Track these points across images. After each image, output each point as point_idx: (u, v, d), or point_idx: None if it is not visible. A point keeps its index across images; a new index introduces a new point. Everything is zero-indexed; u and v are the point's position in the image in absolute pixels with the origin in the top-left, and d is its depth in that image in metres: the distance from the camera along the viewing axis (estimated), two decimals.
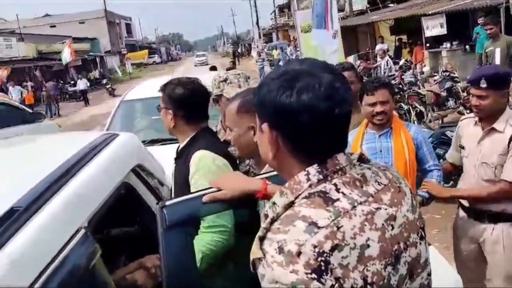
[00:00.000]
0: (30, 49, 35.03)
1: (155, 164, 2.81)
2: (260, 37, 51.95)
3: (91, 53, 46.22)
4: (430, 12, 14.85)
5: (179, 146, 2.44)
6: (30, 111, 10.98)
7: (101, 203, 1.74)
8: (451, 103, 9.49)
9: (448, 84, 9.59)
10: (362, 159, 1.14)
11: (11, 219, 1.29)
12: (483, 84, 2.67)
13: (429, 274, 1.14)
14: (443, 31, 14.02)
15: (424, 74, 13.75)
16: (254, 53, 38.64)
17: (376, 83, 2.98)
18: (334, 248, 0.92)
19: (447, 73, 10.20)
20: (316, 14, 7.86)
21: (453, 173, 3.90)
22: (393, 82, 10.33)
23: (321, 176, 1.03)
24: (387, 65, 13.35)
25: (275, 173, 1.44)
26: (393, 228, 1.03)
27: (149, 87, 6.05)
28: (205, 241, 1.92)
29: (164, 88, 2.42)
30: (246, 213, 1.84)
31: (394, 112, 3.15)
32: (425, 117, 9.29)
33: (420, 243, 1.11)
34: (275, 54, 30.83)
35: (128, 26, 75.55)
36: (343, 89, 1.04)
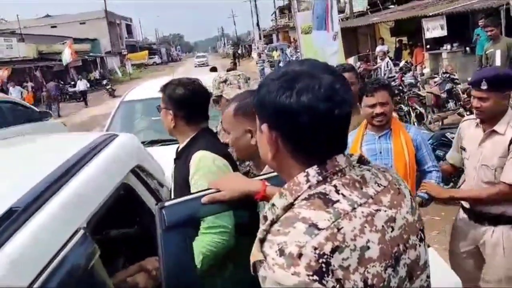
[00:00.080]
0: (30, 50, 35.03)
1: (154, 165, 2.81)
2: (260, 38, 51.91)
3: (91, 54, 46.21)
4: (430, 14, 14.86)
5: (178, 147, 2.44)
6: (37, 110, 11.11)
7: (100, 203, 1.74)
8: (451, 105, 9.50)
9: (448, 86, 9.59)
10: (361, 160, 1.13)
11: (10, 219, 1.29)
12: (484, 86, 2.66)
13: (428, 276, 1.14)
14: (444, 32, 14.02)
15: (424, 76, 13.79)
16: (254, 54, 38.69)
17: (375, 84, 2.98)
18: (334, 250, 0.92)
19: (447, 75, 10.20)
20: (316, 16, 7.87)
21: (453, 175, 3.90)
22: (393, 83, 10.36)
23: (320, 178, 1.03)
24: (387, 67, 13.39)
25: (274, 174, 1.44)
26: (393, 230, 1.03)
27: (149, 88, 6.05)
28: (205, 242, 1.92)
29: (164, 89, 2.42)
30: (246, 214, 1.84)
31: (394, 114, 3.16)
32: (425, 119, 9.29)
33: (420, 245, 1.10)
34: (275, 56, 30.87)
35: (129, 27, 75.59)
36: (343, 90, 1.03)
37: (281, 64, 21.53)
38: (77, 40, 42.69)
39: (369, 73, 15.39)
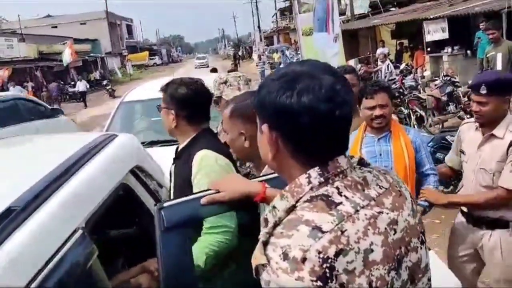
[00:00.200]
0: (31, 50, 35.08)
1: (154, 166, 2.80)
2: (261, 40, 52.01)
3: (92, 54, 46.26)
4: (431, 17, 14.89)
5: (178, 147, 2.43)
6: (49, 107, 11.97)
7: (99, 203, 1.73)
8: (451, 107, 9.50)
9: (449, 89, 9.60)
10: (361, 162, 1.13)
11: (8, 218, 1.29)
12: (483, 91, 2.66)
13: (429, 279, 1.13)
14: (445, 35, 14.05)
15: (425, 79, 13.81)
16: (255, 56, 38.71)
17: (375, 86, 2.99)
18: (338, 253, 0.91)
19: (448, 78, 10.21)
20: (317, 18, 7.86)
21: (453, 178, 3.90)
22: (393, 86, 10.36)
23: (322, 179, 1.02)
24: (388, 69, 13.40)
25: (274, 175, 1.44)
26: (395, 232, 1.02)
27: (149, 88, 6.05)
28: (208, 242, 1.91)
29: (166, 88, 2.40)
30: (247, 214, 1.83)
31: (394, 116, 3.16)
32: (426, 122, 9.29)
33: (421, 248, 1.10)
34: (276, 57, 30.86)
35: (129, 28, 75.63)
36: (344, 91, 1.03)
37: (281, 66, 21.52)
38: (77, 41, 42.66)
39: (370, 75, 15.40)
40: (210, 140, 2.32)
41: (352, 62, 16.86)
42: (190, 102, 2.33)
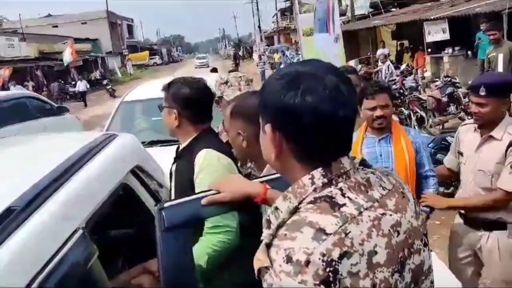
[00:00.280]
0: (32, 49, 35.06)
1: (154, 166, 2.80)
2: (261, 40, 52.03)
3: (92, 54, 46.25)
4: (432, 17, 14.88)
5: (178, 146, 2.43)
6: (56, 105, 12.36)
7: (99, 203, 1.73)
8: (452, 108, 9.50)
9: (449, 90, 9.59)
10: (364, 163, 1.12)
11: (9, 218, 1.28)
12: (482, 92, 2.66)
13: (432, 282, 1.12)
14: (446, 36, 14.04)
15: (425, 80, 13.80)
16: (255, 56, 38.71)
17: (375, 87, 2.98)
18: (343, 255, 0.90)
19: (449, 79, 10.21)
20: (318, 19, 7.86)
21: (453, 179, 3.89)
22: (394, 87, 10.35)
23: (325, 180, 1.01)
24: (388, 70, 13.38)
25: (274, 176, 1.43)
26: (398, 234, 1.02)
27: (149, 88, 6.04)
28: (210, 242, 1.91)
29: (168, 87, 2.39)
30: (248, 214, 1.83)
31: (395, 117, 3.15)
32: (426, 123, 9.28)
33: (424, 250, 1.09)
34: (276, 58, 30.85)
35: (130, 27, 75.65)
36: (347, 91, 1.02)
37: (282, 66, 21.49)
38: (78, 40, 42.68)
39: (370, 76, 15.38)
40: (212, 139, 2.31)
41: (352, 63, 16.85)
42: (193, 101, 2.32)
